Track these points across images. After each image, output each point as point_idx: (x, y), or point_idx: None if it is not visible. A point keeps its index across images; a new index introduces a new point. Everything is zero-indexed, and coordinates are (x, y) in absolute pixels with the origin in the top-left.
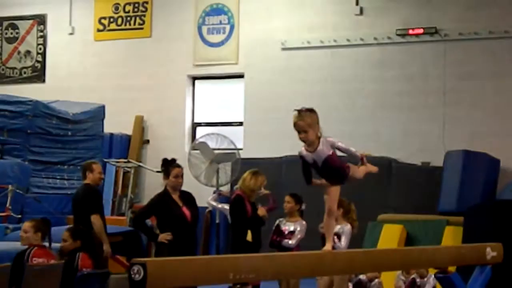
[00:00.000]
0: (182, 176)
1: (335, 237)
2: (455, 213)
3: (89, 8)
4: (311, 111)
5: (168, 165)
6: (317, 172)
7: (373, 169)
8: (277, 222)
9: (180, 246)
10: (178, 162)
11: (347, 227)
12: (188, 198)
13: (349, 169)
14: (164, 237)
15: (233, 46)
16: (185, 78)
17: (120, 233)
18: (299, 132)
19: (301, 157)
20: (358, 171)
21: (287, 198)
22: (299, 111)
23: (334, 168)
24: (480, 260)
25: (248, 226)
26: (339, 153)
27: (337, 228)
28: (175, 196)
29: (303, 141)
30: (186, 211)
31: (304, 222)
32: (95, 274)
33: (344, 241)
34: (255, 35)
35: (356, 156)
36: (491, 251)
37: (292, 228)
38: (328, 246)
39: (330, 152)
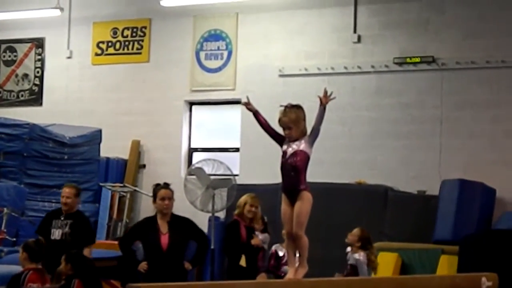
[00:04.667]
0: (169, 198)
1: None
2: (450, 242)
3: (87, 32)
4: (297, 107)
5: (157, 188)
6: (281, 162)
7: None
8: (273, 248)
9: (153, 277)
10: (173, 187)
11: (361, 255)
12: (180, 225)
13: (307, 189)
14: (142, 266)
15: (231, 72)
16: (182, 103)
17: (114, 258)
18: (283, 129)
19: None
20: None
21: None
22: (285, 107)
23: (296, 165)
24: None
25: (241, 251)
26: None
27: (352, 258)
28: (162, 222)
29: (288, 137)
30: (164, 239)
31: None
32: None
33: (362, 273)
34: (253, 62)
35: (319, 110)
36: (487, 281)
37: None
38: (291, 273)
39: (306, 150)
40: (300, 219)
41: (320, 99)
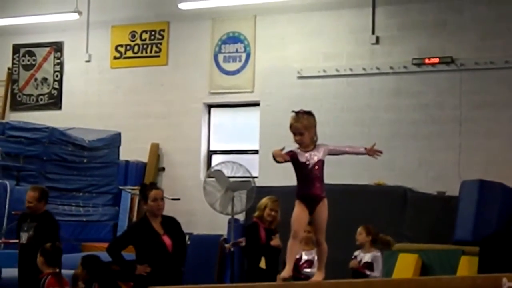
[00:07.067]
0: (161, 199)
1: (366, 270)
2: (470, 242)
3: (106, 35)
4: (309, 113)
5: (146, 189)
6: (304, 172)
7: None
8: None
9: (161, 279)
10: (192, 189)
11: (378, 254)
12: (171, 224)
13: (323, 195)
14: (143, 269)
15: (249, 74)
16: (201, 106)
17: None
18: (294, 134)
19: (291, 151)
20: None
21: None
22: (297, 113)
23: (321, 174)
24: None
25: (261, 253)
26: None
27: (368, 256)
28: (156, 224)
29: (298, 143)
30: (167, 240)
31: None
32: None
33: (378, 270)
34: (271, 64)
35: (360, 151)
36: (507, 282)
37: (308, 257)
38: (318, 276)
39: (324, 158)
40: (324, 226)
41: (367, 151)
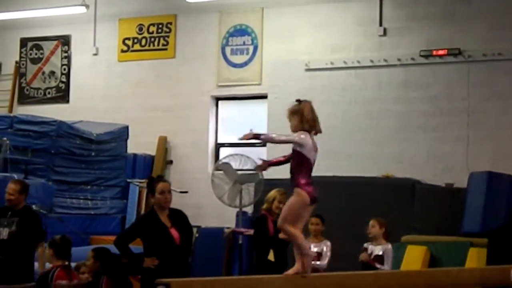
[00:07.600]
0: (169, 191)
1: (376, 263)
2: (479, 234)
3: (113, 29)
4: (302, 102)
5: (153, 182)
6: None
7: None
8: None
9: (169, 271)
10: (200, 182)
11: (389, 247)
12: (178, 217)
13: (301, 187)
14: (151, 262)
15: (257, 67)
16: (208, 98)
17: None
18: None
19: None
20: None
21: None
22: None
23: (292, 163)
24: (504, 282)
25: (269, 246)
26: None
27: (379, 249)
28: (163, 216)
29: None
30: (174, 232)
31: (329, 243)
32: None
33: (388, 263)
34: (279, 56)
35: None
36: None
37: (317, 249)
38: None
39: (298, 149)
40: (283, 212)
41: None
